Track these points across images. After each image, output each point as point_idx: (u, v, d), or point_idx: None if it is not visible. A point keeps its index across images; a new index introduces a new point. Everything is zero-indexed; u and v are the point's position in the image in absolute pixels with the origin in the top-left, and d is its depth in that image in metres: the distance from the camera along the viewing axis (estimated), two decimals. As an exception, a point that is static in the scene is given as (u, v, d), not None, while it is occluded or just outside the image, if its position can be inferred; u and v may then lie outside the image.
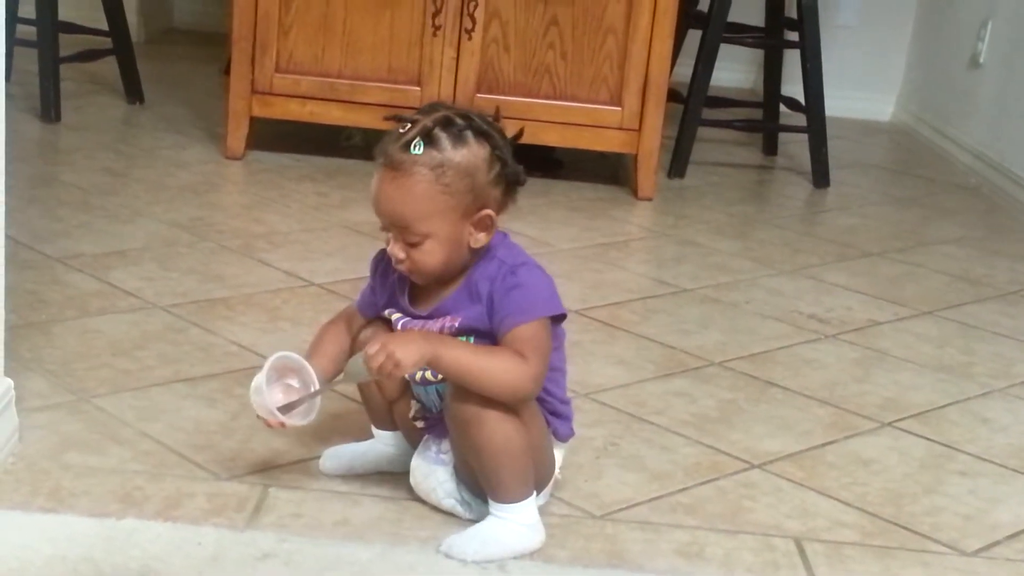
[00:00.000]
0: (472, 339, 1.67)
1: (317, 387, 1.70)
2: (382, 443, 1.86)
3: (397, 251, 1.66)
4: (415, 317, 1.71)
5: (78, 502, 1.70)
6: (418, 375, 1.72)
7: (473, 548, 1.66)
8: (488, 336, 1.67)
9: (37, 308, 2.35)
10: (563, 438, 1.78)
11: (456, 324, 1.67)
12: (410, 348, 1.58)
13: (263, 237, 2.93)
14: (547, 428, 1.74)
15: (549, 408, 1.74)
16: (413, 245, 1.64)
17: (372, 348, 1.59)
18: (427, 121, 1.63)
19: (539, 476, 1.73)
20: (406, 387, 1.78)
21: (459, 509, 1.75)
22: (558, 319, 1.69)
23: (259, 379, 1.68)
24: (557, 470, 1.79)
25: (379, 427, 1.86)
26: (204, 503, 1.73)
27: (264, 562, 1.60)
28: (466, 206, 1.64)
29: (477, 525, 1.69)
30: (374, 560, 1.64)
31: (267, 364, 1.69)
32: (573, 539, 1.75)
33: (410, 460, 1.80)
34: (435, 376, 1.69)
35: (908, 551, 1.81)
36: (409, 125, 1.63)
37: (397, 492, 1.81)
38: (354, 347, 1.75)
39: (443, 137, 1.62)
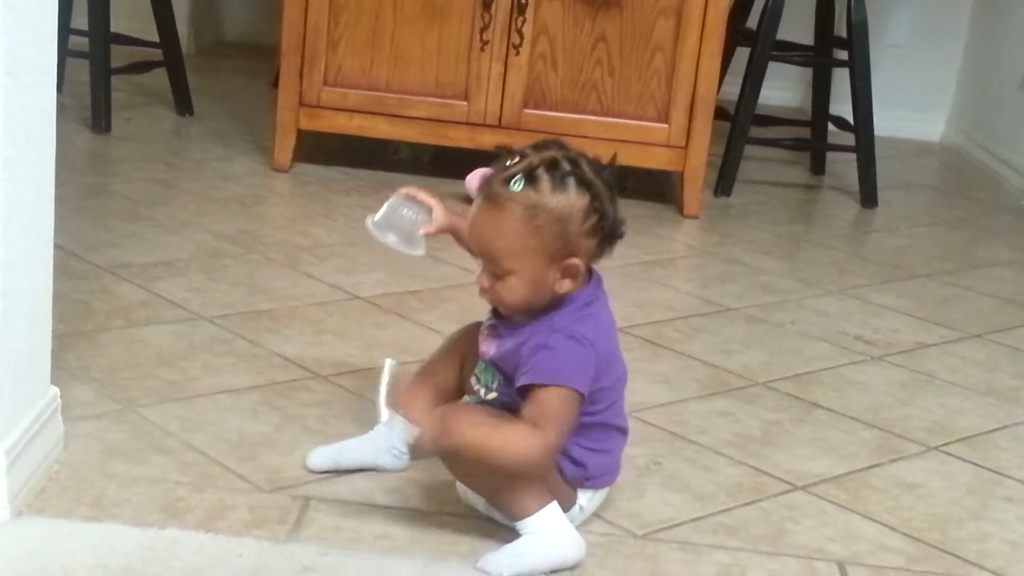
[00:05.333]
0: (497, 375, 1.73)
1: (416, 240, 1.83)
2: (376, 436, 1.88)
3: (483, 280, 1.69)
4: (495, 329, 1.74)
5: (121, 511, 1.71)
6: (483, 393, 1.75)
7: (507, 562, 1.65)
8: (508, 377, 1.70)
9: (85, 317, 2.37)
10: (569, 480, 1.74)
11: (491, 354, 1.72)
12: (429, 442, 1.65)
13: (308, 250, 2.94)
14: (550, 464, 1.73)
15: (566, 452, 1.72)
16: (498, 278, 1.66)
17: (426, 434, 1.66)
18: (534, 159, 1.63)
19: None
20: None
21: (496, 514, 1.74)
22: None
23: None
24: (578, 509, 1.76)
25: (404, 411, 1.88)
26: (246, 515, 1.74)
27: (305, 575, 1.60)
28: (554, 251, 1.64)
29: (513, 542, 1.69)
30: (415, 574, 1.63)
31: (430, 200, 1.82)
32: (614, 558, 1.74)
33: (402, 461, 1.86)
34: (490, 388, 1.74)
35: (954, 577, 1.79)
36: (517, 159, 1.64)
37: (439, 507, 1.81)
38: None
39: (544, 179, 1.62)
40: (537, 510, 1.68)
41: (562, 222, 1.63)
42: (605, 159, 1.69)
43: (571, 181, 1.63)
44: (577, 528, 1.74)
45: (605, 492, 1.82)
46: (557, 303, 1.68)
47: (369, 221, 1.84)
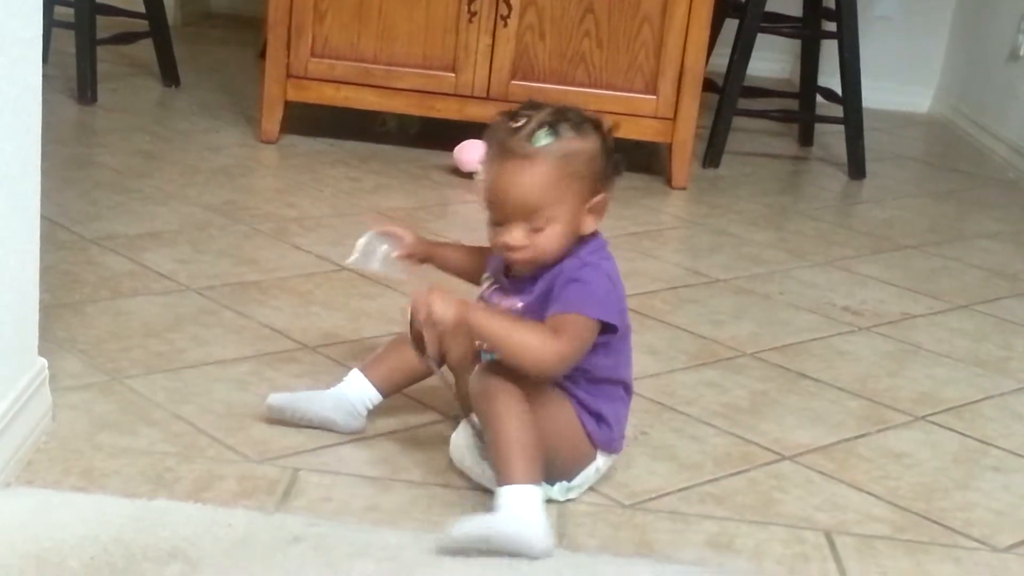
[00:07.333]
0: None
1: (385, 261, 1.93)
2: (336, 393, 1.90)
3: (519, 238, 1.72)
4: (503, 289, 1.78)
5: (109, 482, 1.71)
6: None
7: (460, 526, 1.61)
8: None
9: (71, 289, 2.37)
10: (597, 443, 1.78)
11: (519, 306, 1.74)
12: (449, 309, 1.66)
13: (296, 221, 2.93)
14: (576, 423, 1.75)
15: (590, 408, 1.76)
16: (537, 231, 1.71)
17: (419, 298, 1.67)
18: (543, 115, 1.70)
19: (560, 465, 1.75)
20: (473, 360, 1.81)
21: (486, 473, 1.75)
22: (609, 328, 1.73)
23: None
24: (594, 469, 1.79)
25: (370, 376, 1.90)
26: (235, 485, 1.74)
27: (294, 545, 1.61)
28: (587, 191, 1.72)
29: (485, 514, 1.65)
30: (404, 546, 1.64)
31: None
32: (602, 527, 1.74)
33: (358, 423, 1.90)
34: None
35: (939, 546, 1.80)
36: (524, 120, 1.70)
37: (427, 478, 1.81)
38: None
39: (565, 127, 1.70)
40: (523, 482, 1.65)
41: (591, 162, 1.72)
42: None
43: (587, 124, 1.72)
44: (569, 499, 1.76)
45: (615, 458, 1.84)
46: (573, 251, 1.74)
47: (350, 260, 1.95)
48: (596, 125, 1.75)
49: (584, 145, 1.71)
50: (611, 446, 1.81)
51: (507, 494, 1.65)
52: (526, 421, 1.68)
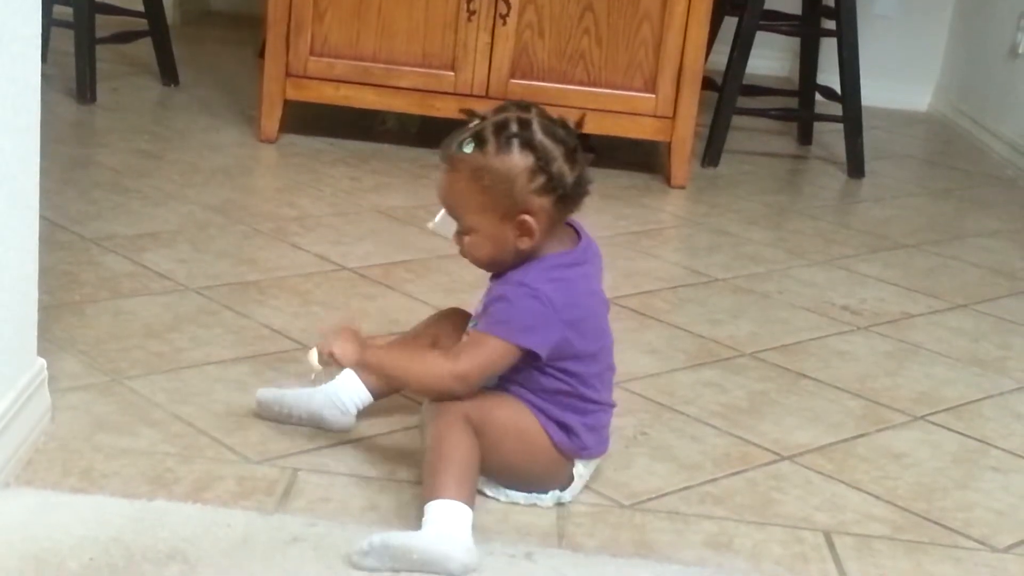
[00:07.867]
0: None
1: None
2: (326, 390, 1.90)
3: (457, 238, 1.75)
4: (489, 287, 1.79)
5: (109, 483, 1.71)
6: None
7: (380, 535, 1.58)
8: None
9: (71, 289, 2.37)
10: (566, 453, 1.77)
11: (477, 306, 1.75)
12: (347, 349, 1.70)
13: (296, 221, 2.93)
14: (541, 434, 1.74)
15: (556, 419, 1.75)
16: (463, 235, 1.73)
17: (326, 337, 1.73)
18: (486, 122, 1.69)
19: (534, 475, 1.76)
20: None
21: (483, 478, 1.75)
22: (532, 354, 1.70)
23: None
24: (576, 476, 1.79)
25: (362, 376, 1.90)
26: (234, 486, 1.74)
27: (293, 545, 1.61)
28: (505, 209, 1.69)
29: (411, 532, 1.62)
30: (402, 546, 1.64)
31: None
32: (601, 528, 1.74)
33: (347, 420, 1.90)
34: None
35: (939, 546, 1.80)
36: (476, 122, 1.70)
37: (426, 478, 1.81)
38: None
39: (491, 141, 1.68)
40: (450, 498, 1.62)
41: (508, 182, 1.68)
42: (575, 121, 1.75)
43: (515, 143, 1.67)
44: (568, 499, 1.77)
45: (598, 460, 1.84)
46: (527, 260, 1.72)
47: (432, 223, 1.86)
48: (530, 146, 1.66)
49: (502, 165, 1.66)
50: (584, 453, 1.78)
51: (434, 509, 1.62)
52: (465, 442, 1.66)
